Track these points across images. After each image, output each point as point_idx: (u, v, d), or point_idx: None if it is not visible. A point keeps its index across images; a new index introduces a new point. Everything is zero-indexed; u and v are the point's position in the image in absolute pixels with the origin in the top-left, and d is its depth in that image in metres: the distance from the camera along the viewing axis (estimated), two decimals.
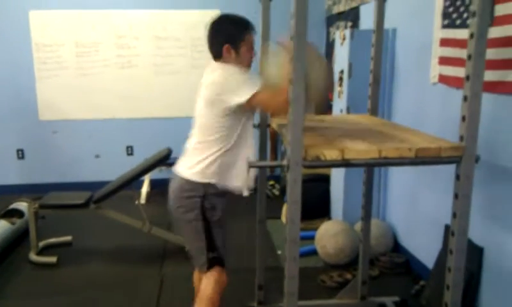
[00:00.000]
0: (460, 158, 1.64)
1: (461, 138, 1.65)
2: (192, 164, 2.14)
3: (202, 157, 2.11)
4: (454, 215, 1.69)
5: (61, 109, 5.26)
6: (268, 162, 2.21)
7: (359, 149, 1.67)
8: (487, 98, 2.31)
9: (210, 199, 2.12)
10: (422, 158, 1.67)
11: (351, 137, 1.87)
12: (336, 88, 3.91)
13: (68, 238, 3.92)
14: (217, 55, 2.10)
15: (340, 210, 3.78)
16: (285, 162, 1.66)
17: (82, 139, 5.34)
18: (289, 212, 1.65)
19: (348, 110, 3.60)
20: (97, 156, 5.39)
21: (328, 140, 1.85)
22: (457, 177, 1.67)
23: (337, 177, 3.90)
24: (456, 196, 1.68)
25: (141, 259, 3.61)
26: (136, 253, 3.74)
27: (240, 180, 2.12)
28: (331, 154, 1.65)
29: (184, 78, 5.26)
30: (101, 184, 3.90)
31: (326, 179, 4.22)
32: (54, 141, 5.30)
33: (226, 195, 2.19)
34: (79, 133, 5.33)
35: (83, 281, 3.27)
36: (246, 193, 2.12)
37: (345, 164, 1.67)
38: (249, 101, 1.93)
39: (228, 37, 2.05)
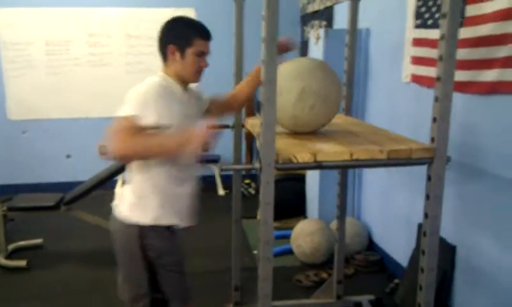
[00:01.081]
0: (431, 160, 1.65)
1: (432, 139, 1.65)
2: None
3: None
4: (426, 215, 1.70)
5: (31, 108, 5.13)
6: (241, 166, 2.16)
7: (331, 152, 1.65)
8: (458, 98, 2.34)
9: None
10: (393, 160, 1.67)
11: (323, 139, 1.86)
12: None
13: (39, 240, 3.82)
14: (163, 57, 1.88)
15: (316, 209, 3.78)
16: (257, 165, 1.64)
17: (53, 138, 5.22)
18: (262, 213, 1.63)
19: None
20: (68, 156, 5.28)
21: (300, 142, 1.83)
22: (429, 178, 1.67)
23: (312, 176, 3.90)
24: (427, 197, 1.69)
25: (115, 261, 3.53)
26: (110, 255, 3.63)
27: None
28: (303, 157, 1.63)
29: None
30: (73, 185, 3.82)
31: (301, 178, 4.22)
32: (24, 140, 5.17)
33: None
34: (49, 133, 5.20)
35: (56, 285, 3.19)
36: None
37: (317, 166, 1.65)
38: (116, 120, 1.70)
39: (175, 38, 1.83)
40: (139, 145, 1.67)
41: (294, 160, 1.63)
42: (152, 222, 1.81)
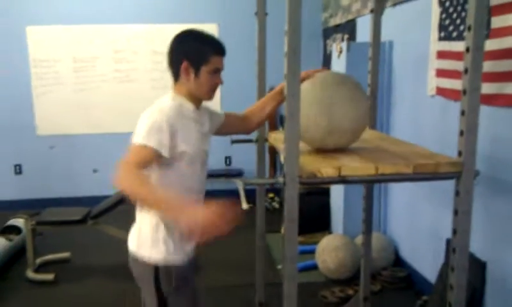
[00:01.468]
0: (459, 174, 1.61)
1: (460, 153, 1.62)
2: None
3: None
4: (455, 231, 1.66)
5: (59, 124, 5.26)
6: (264, 180, 2.16)
7: (356, 166, 1.64)
8: (484, 111, 2.29)
9: None
10: (420, 175, 1.64)
11: (348, 153, 1.85)
12: None
13: (66, 254, 3.88)
14: (175, 76, 1.77)
15: (341, 223, 3.74)
16: (281, 180, 1.63)
17: (80, 153, 5.32)
18: (286, 230, 1.62)
19: None
20: (95, 170, 5.37)
21: (325, 156, 1.82)
22: (457, 193, 1.64)
23: (337, 190, 3.87)
24: (455, 212, 1.65)
25: None
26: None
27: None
28: (327, 171, 1.62)
29: None
30: (99, 199, 3.88)
31: (325, 192, 4.19)
32: (52, 156, 5.29)
33: None
34: (76, 148, 5.31)
35: (83, 298, 3.24)
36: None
37: (342, 181, 1.64)
38: (128, 149, 1.64)
39: (189, 54, 1.71)
40: (135, 186, 1.57)
41: (319, 175, 1.62)
42: (163, 262, 1.74)
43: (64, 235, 4.17)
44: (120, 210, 3.73)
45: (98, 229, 3.64)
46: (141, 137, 1.62)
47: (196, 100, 1.79)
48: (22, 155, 5.26)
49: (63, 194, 5.24)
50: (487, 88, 2.21)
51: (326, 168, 1.62)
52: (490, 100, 2.24)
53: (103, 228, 3.64)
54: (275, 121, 5.09)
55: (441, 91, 2.79)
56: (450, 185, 1.67)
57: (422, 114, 3.06)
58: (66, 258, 3.86)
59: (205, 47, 1.73)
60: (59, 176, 5.32)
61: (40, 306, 3.16)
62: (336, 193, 3.88)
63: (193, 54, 1.71)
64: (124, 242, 3.57)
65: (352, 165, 1.64)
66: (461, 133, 1.61)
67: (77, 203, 4.22)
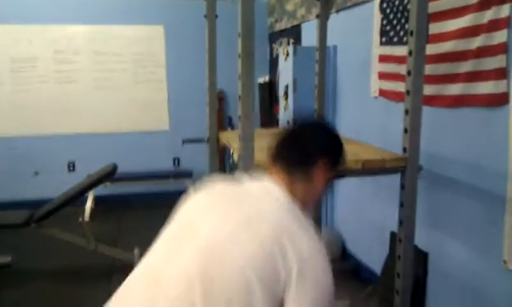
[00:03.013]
0: (404, 169, 1.73)
1: (404, 149, 1.74)
2: None
3: None
4: (401, 222, 1.78)
5: None
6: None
7: None
8: (425, 111, 2.45)
9: None
10: (368, 170, 1.75)
11: None
12: (282, 102, 3.99)
13: (7, 259, 3.70)
14: (293, 168, 1.24)
15: None
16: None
17: (20, 156, 5.09)
18: None
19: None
20: (36, 173, 5.15)
21: None
22: (402, 187, 1.76)
23: None
24: (401, 205, 1.77)
25: (88, 278, 3.48)
26: (82, 273, 3.60)
27: None
28: None
29: (125, 94, 5.17)
30: (41, 202, 3.73)
31: None
32: None
33: None
34: (16, 150, 5.07)
35: (27, 304, 3.10)
36: None
37: None
38: None
39: (328, 150, 1.29)
40: None
41: None
42: None
43: (6, 239, 3.98)
44: (65, 212, 3.63)
45: (42, 233, 3.51)
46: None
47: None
48: None
49: (3, 197, 4.98)
50: (426, 90, 2.36)
51: None
52: (429, 100, 2.40)
53: (47, 231, 3.52)
54: (223, 121, 5.13)
55: (383, 93, 2.95)
56: (393, 180, 1.79)
57: (366, 115, 3.22)
58: (7, 262, 3.68)
59: (341, 146, 1.34)
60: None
61: None
62: None
63: (333, 150, 1.31)
64: (69, 245, 3.50)
65: None
66: (405, 130, 1.73)
67: (18, 207, 4.04)
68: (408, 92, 1.72)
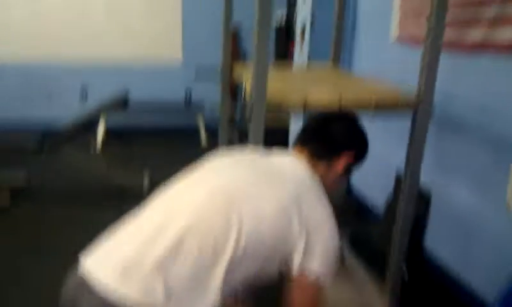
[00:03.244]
0: (416, 110, 1.72)
1: (419, 89, 1.72)
2: None
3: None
4: (407, 161, 1.79)
5: (12, 49, 4.98)
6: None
7: (321, 98, 1.71)
8: (443, 57, 2.40)
9: None
10: (380, 108, 1.74)
11: (314, 87, 1.91)
12: (298, 43, 3.90)
13: (22, 181, 3.81)
14: (319, 152, 1.35)
15: None
16: (248, 114, 1.68)
17: (34, 80, 5.10)
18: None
19: (309, 59, 3.62)
20: (49, 97, 5.18)
21: (290, 88, 1.88)
22: (413, 126, 1.75)
23: (296, 128, 3.97)
24: (410, 144, 1.77)
25: (99, 202, 3.58)
26: (94, 197, 3.70)
27: None
28: (293, 102, 1.68)
29: (139, 21, 5.12)
30: (53, 127, 3.77)
31: (286, 133, 4.28)
32: (4, 80, 5.04)
33: None
34: (30, 75, 5.08)
35: (40, 223, 3.23)
36: None
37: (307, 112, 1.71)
38: (301, 276, 1.20)
39: (355, 147, 1.39)
40: None
41: (285, 106, 1.68)
42: None
43: (21, 162, 4.08)
44: (77, 139, 3.70)
45: (55, 158, 3.59)
46: (331, 268, 1.23)
47: None
48: None
49: (16, 117, 5.01)
50: (447, 34, 2.30)
51: (292, 99, 1.69)
52: (450, 46, 2.34)
53: (60, 156, 3.59)
54: (238, 55, 5.06)
55: (403, 38, 2.87)
56: (405, 121, 1.78)
57: (383, 55, 3.15)
58: (24, 184, 3.80)
59: (366, 148, 1.45)
60: (12, 102, 5.11)
61: None
62: (296, 131, 3.98)
63: (361, 150, 1.42)
64: (81, 170, 3.59)
65: (318, 97, 1.71)
66: (422, 70, 1.70)
67: (31, 128, 4.10)
68: (428, 32, 1.68)
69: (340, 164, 1.35)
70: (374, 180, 3.29)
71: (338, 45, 2.60)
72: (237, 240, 1.11)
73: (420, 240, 2.68)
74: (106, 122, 4.94)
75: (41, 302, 2.01)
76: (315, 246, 1.18)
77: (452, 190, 2.45)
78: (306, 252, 1.18)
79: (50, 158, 3.57)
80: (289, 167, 1.29)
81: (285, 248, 1.18)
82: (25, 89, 5.12)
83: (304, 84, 1.98)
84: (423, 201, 2.62)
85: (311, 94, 1.76)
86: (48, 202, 3.58)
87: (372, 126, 2.91)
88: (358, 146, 1.40)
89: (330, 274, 1.22)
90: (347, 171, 1.38)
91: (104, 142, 4.97)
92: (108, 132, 5.06)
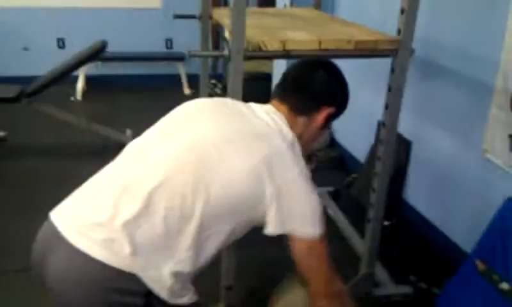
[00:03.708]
0: (396, 51, 1.69)
1: (399, 31, 1.69)
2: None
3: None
4: (386, 106, 1.78)
5: None
6: (209, 52, 2.14)
7: (300, 40, 1.67)
8: None
9: None
10: (360, 51, 1.71)
11: (293, 30, 1.87)
12: None
13: (2, 133, 3.75)
14: (299, 107, 1.29)
15: None
16: (226, 52, 1.64)
17: (9, 29, 4.92)
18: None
19: (291, 5, 3.53)
20: (26, 48, 5.02)
21: (270, 31, 1.83)
22: (392, 70, 1.73)
23: (279, 76, 3.91)
24: (389, 89, 1.76)
25: (81, 155, 3.54)
26: (74, 150, 3.66)
27: None
28: (272, 44, 1.64)
29: None
30: (30, 79, 3.67)
31: (267, 78, 4.23)
32: None
33: None
34: (5, 23, 4.89)
35: (24, 175, 3.20)
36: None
37: (286, 55, 1.67)
38: (296, 241, 1.18)
39: (335, 101, 1.34)
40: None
41: (264, 48, 1.64)
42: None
43: None
44: (56, 90, 3.61)
45: (34, 109, 3.51)
46: (317, 223, 1.18)
47: None
48: None
49: None
50: None
51: (271, 41, 1.64)
52: None
53: (39, 106, 3.51)
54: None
55: None
56: (386, 67, 1.75)
57: (366, 1, 3.08)
58: (2, 136, 3.74)
59: (347, 102, 1.40)
60: None
61: None
62: (278, 78, 3.93)
63: (339, 105, 1.36)
64: (61, 123, 3.53)
65: (297, 40, 1.68)
66: (402, 11, 1.66)
67: (8, 82, 3.98)
68: None
69: (320, 117, 1.31)
70: (357, 132, 3.29)
71: None
72: (207, 201, 1.08)
73: (399, 189, 2.72)
74: (86, 72, 4.83)
75: (18, 255, 2.00)
76: (291, 206, 1.15)
77: (431, 136, 2.46)
78: (281, 213, 1.14)
79: (28, 110, 3.49)
80: (265, 124, 1.22)
81: (257, 210, 1.14)
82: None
83: (284, 27, 1.92)
84: (403, 149, 2.64)
85: (290, 36, 1.72)
86: (29, 154, 3.53)
87: (355, 77, 2.93)
88: (339, 100, 1.35)
89: (318, 228, 1.17)
90: (327, 123, 1.35)
91: (84, 92, 4.87)
92: (88, 82, 4.96)
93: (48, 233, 1.11)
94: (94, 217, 1.07)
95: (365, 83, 3.09)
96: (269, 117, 1.24)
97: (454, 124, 2.29)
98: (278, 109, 1.28)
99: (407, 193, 2.71)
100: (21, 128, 3.94)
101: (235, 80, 1.63)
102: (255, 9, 3.02)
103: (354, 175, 3.15)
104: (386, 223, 2.58)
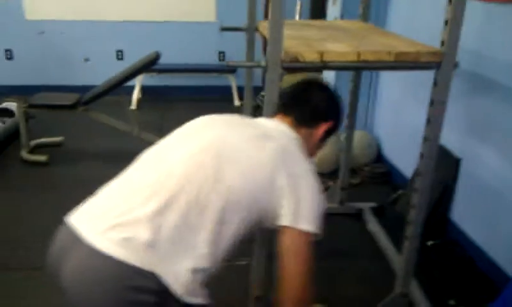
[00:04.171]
0: (439, 64, 1.63)
1: (442, 43, 1.62)
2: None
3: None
4: (429, 121, 1.71)
5: (48, 9, 5.09)
6: (247, 62, 2.16)
7: (338, 52, 1.65)
8: (479, 7, 2.26)
9: None
10: (401, 63, 1.66)
11: (333, 41, 1.85)
12: None
13: (59, 138, 3.96)
14: (302, 118, 1.41)
15: None
16: (263, 63, 1.65)
17: (71, 41, 5.22)
18: (266, 112, 1.66)
19: (342, 17, 3.51)
20: (86, 59, 5.30)
21: (309, 43, 1.82)
22: (435, 83, 1.67)
23: None
24: (431, 103, 1.69)
25: (132, 161, 3.65)
26: (125, 156, 3.77)
27: None
28: (309, 56, 1.63)
29: None
30: (90, 88, 3.87)
31: None
32: (43, 42, 5.17)
33: None
34: (67, 35, 5.19)
35: (74, 179, 3.36)
36: None
37: (324, 66, 1.65)
38: (291, 235, 1.20)
39: (332, 117, 1.46)
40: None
41: (301, 59, 1.63)
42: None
43: (56, 120, 4.24)
44: (112, 100, 3.80)
45: (89, 116, 3.69)
46: (318, 223, 1.23)
47: None
48: (12, 40, 5.16)
49: (55, 81, 5.20)
50: None
51: (308, 53, 1.63)
52: None
53: (94, 114, 3.69)
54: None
55: None
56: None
57: (417, 10, 3.00)
58: (59, 141, 3.95)
59: (342, 121, 1.54)
60: (51, 63, 5.26)
61: (32, 183, 3.29)
62: None
63: (337, 120, 1.50)
64: (115, 130, 3.68)
65: (335, 51, 1.66)
66: (446, 23, 1.60)
67: (69, 91, 4.22)
68: None
69: (321, 130, 1.43)
70: (404, 147, 3.20)
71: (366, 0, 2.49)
72: (226, 194, 1.14)
73: (446, 209, 2.60)
74: (141, 82, 5.03)
75: None
76: (301, 199, 1.20)
77: (481, 154, 2.34)
78: (294, 206, 1.19)
79: (85, 117, 3.67)
80: (275, 128, 1.37)
81: (271, 204, 1.20)
82: (62, 51, 5.23)
83: (324, 38, 1.91)
84: (452, 166, 2.52)
85: (328, 47, 1.70)
86: (82, 159, 3.70)
87: (403, 91, 2.91)
88: (336, 115, 1.49)
89: (317, 228, 1.22)
90: (326, 137, 1.48)
91: (139, 101, 5.06)
92: (143, 92, 5.16)
93: (65, 235, 1.15)
94: (113, 219, 1.10)
95: (412, 97, 3.01)
96: (274, 124, 1.39)
97: (504, 142, 2.17)
98: (282, 121, 1.41)
99: (454, 212, 2.58)
100: (77, 135, 4.14)
101: (271, 91, 1.63)
102: (300, 21, 3.02)
103: (400, 191, 3.05)
104: (430, 243, 2.47)
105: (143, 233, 1.07)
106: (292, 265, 1.20)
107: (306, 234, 1.20)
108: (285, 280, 1.20)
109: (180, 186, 1.13)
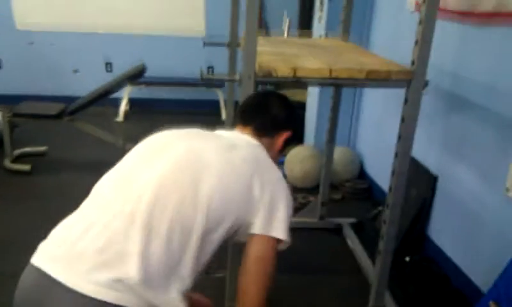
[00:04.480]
0: (409, 82, 1.66)
1: (412, 62, 1.66)
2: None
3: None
4: (399, 137, 1.74)
5: (39, 20, 5.11)
6: (222, 76, 2.19)
7: (310, 68, 1.68)
8: (455, 28, 2.31)
9: None
10: (371, 81, 1.69)
11: (307, 57, 1.88)
12: (317, 13, 3.83)
13: (43, 148, 3.96)
14: (262, 127, 1.41)
15: (312, 136, 3.84)
16: (237, 77, 1.67)
17: (61, 52, 5.23)
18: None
19: (326, 35, 3.55)
20: (75, 71, 5.31)
21: (286, 59, 1.85)
22: (406, 100, 1.70)
23: (311, 104, 3.92)
24: (402, 119, 1.72)
25: None
26: (108, 167, 3.77)
27: None
28: (283, 71, 1.66)
29: None
30: (78, 99, 3.88)
31: (303, 107, 4.24)
32: (32, 52, 5.19)
33: None
34: (57, 46, 5.21)
35: (57, 189, 3.35)
36: None
37: (297, 81, 1.68)
38: (261, 242, 1.20)
39: (291, 126, 1.47)
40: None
41: (274, 74, 1.66)
42: None
43: (41, 130, 4.22)
44: (98, 111, 3.79)
45: (73, 126, 3.69)
46: (286, 230, 1.22)
47: None
48: (2, 49, 5.17)
49: (44, 92, 5.19)
50: (460, 4, 2.21)
51: (282, 68, 1.66)
52: (461, 16, 2.24)
53: (79, 124, 3.69)
54: (260, 24, 5.04)
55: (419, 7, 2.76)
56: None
57: (400, 29, 3.05)
58: (43, 151, 3.95)
59: (298, 131, 1.57)
60: (40, 73, 5.27)
61: (15, 192, 3.28)
62: (311, 106, 3.94)
63: (295, 130, 1.51)
64: (100, 141, 3.68)
65: (308, 67, 1.69)
66: (416, 42, 1.64)
67: (57, 102, 4.22)
68: (423, 0, 1.61)
69: (281, 140, 1.45)
70: (385, 163, 3.20)
71: (347, 16, 2.53)
72: (207, 209, 1.11)
73: (423, 225, 2.62)
74: (129, 94, 5.04)
75: None
76: (275, 210, 1.20)
77: (457, 171, 2.37)
78: (268, 215, 1.19)
79: (70, 127, 3.67)
80: (238, 137, 1.37)
81: (248, 213, 1.18)
82: (51, 62, 5.25)
83: (300, 55, 1.94)
84: (429, 183, 2.55)
85: (302, 63, 1.73)
86: (67, 169, 3.70)
87: (385, 109, 2.94)
88: (293, 124, 1.49)
89: (288, 237, 1.22)
90: (285, 146, 1.48)
91: (127, 113, 5.07)
92: (131, 104, 5.17)
93: (36, 279, 1.03)
94: (93, 257, 1.02)
95: (393, 115, 3.02)
96: (235, 135, 1.39)
97: (479, 160, 2.20)
98: (242, 132, 1.41)
99: (431, 229, 2.60)
100: (61, 144, 4.14)
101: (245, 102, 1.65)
102: (284, 38, 3.07)
103: (380, 208, 3.06)
104: (407, 258, 2.49)
105: (133, 271, 1.01)
106: (256, 269, 1.18)
107: (276, 241, 1.20)
108: (249, 294, 1.18)
109: (158, 212, 1.08)
